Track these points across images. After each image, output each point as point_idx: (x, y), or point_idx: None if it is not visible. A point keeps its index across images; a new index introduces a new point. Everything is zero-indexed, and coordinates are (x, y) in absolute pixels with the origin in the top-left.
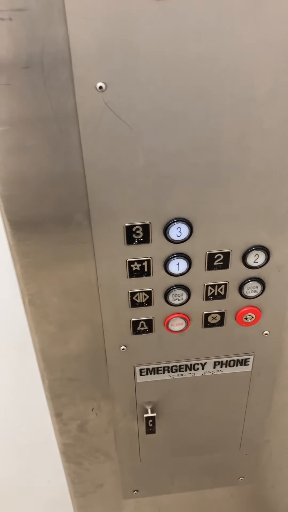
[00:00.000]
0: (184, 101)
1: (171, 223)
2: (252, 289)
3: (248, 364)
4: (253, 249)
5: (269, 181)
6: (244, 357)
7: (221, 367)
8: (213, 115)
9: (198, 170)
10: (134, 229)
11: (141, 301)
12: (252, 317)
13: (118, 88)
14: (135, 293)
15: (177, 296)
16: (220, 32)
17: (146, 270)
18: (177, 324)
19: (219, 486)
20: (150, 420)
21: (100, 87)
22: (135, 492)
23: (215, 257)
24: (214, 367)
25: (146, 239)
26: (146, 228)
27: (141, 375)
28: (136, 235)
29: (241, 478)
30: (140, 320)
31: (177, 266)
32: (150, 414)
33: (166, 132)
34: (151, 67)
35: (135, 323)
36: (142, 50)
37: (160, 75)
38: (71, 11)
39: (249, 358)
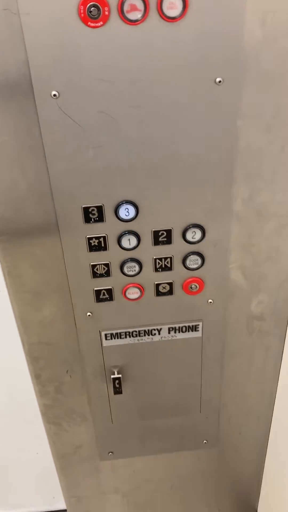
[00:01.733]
0: (121, 106)
1: (120, 205)
2: (193, 261)
3: (198, 330)
4: (191, 227)
5: (198, 170)
6: (194, 324)
7: (175, 332)
8: (148, 118)
9: (139, 161)
10: (90, 210)
11: (101, 272)
12: (197, 286)
13: (68, 95)
14: (95, 265)
15: (131, 268)
16: (147, 50)
17: (103, 245)
18: (133, 293)
19: (186, 449)
20: (117, 381)
21: (54, 95)
22: (110, 453)
23: (159, 234)
24: (169, 333)
25: (101, 218)
26: (100, 209)
27: (106, 339)
28: (92, 215)
29: (204, 441)
30: (102, 289)
31: (128, 241)
32: (116, 375)
33: (110, 131)
34: (93, 79)
35: (98, 292)
36: (85, 66)
37: (101, 86)
38: (29, 40)
39: (198, 325)
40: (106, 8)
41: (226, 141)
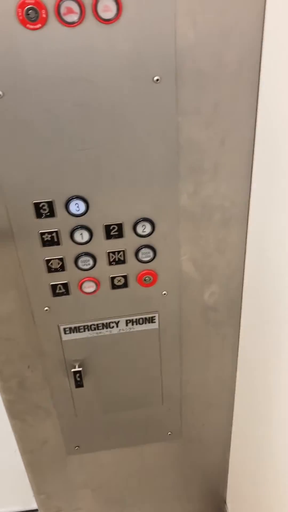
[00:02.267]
0: (64, 105)
1: (70, 200)
2: (145, 254)
3: (155, 322)
4: (140, 221)
5: (143, 166)
6: (150, 316)
7: (133, 325)
8: (91, 116)
9: (86, 157)
10: (40, 205)
11: (56, 267)
12: (150, 278)
13: (12, 95)
14: (50, 260)
15: (85, 262)
16: (85, 51)
17: (56, 240)
18: (89, 287)
19: (150, 442)
20: (77, 374)
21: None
22: (77, 448)
23: (111, 228)
24: (127, 325)
25: (52, 214)
26: (50, 204)
27: (65, 333)
28: (43, 210)
29: (169, 433)
30: (58, 284)
31: (81, 236)
32: (76, 369)
33: (55, 128)
34: (36, 79)
35: (54, 287)
36: (27, 67)
37: (44, 85)
38: None
39: (154, 316)
40: (43, 11)
41: (168, 137)
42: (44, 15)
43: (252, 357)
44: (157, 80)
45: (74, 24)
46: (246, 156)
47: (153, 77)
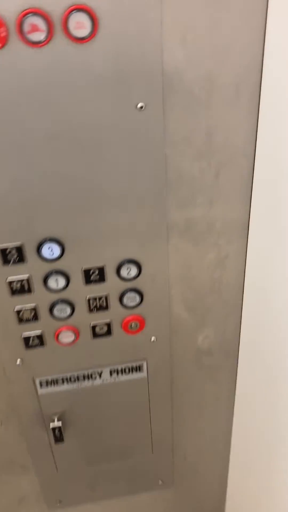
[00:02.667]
0: (34, 137)
1: (43, 243)
2: (131, 299)
3: (143, 371)
4: (125, 263)
5: (126, 203)
6: (137, 364)
7: (118, 374)
8: (65, 149)
9: (60, 195)
10: (7, 251)
11: (28, 317)
12: (137, 325)
13: None
14: (20, 310)
15: (62, 310)
16: (56, 75)
17: (27, 288)
18: (67, 337)
19: (140, 491)
20: (57, 430)
21: None
22: (59, 502)
23: (91, 272)
24: (111, 375)
25: (21, 259)
26: (19, 249)
27: (41, 387)
28: (11, 255)
29: (160, 481)
30: (31, 335)
31: (56, 282)
32: (55, 424)
33: (24, 163)
34: (1, 108)
35: (26, 339)
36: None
37: (10, 115)
38: None
39: (142, 364)
40: (2, 29)
41: (155, 171)
42: (3, 34)
43: (250, 402)
44: (141, 107)
45: (41, 44)
46: (244, 189)
47: (137, 104)
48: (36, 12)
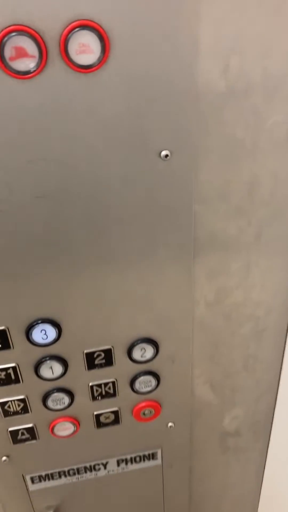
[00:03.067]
0: (16, 198)
1: (33, 326)
2: (144, 384)
3: (157, 458)
4: (138, 343)
5: (143, 270)
6: (150, 452)
7: (126, 464)
8: (60, 210)
9: (56, 268)
10: None
11: (15, 410)
12: (151, 411)
13: None
14: (6, 402)
15: (58, 401)
16: (50, 116)
17: (13, 377)
18: (64, 429)
19: None
20: None
21: None
22: None
23: (95, 355)
24: (118, 465)
25: (5, 345)
26: (3, 334)
27: (33, 483)
28: None
29: None
30: (19, 429)
31: (51, 370)
32: None
33: (8, 230)
34: None
35: (14, 433)
36: None
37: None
38: None
39: (156, 452)
40: None
41: (180, 233)
42: None
43: (280, 484)
44: (166, 156)
45: (30, 75)
46: None
47: (160, 152)
48: (22, 31)
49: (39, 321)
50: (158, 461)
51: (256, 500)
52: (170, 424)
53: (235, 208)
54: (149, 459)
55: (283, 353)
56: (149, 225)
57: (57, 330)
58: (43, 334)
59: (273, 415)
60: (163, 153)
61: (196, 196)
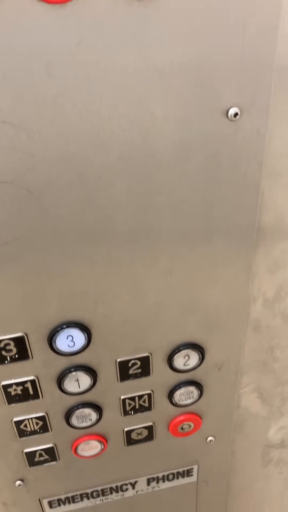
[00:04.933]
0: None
1: (58, 331)
2: (186, 395)
3: (192, 475)
4: (181, 349)
5: (187, 263)
6: (185, 469)
7: (157, 483)
8: (82, 185)
9: (83, 257)
10: (3, 345)
11: (32, 429)
12: (190, 426)
13: None
14: (22, 421)
15: (83, 418)
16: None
17: (32, 392)
18: (90, 448)
19: None
20: None
21: None
22: None
23: (130, 364)
24: (149, 485)
25: (23, 355)
26: (20, 341)
27: (51, 507)
28: (7, 351)
29: None
30: (37, 450)
31: (76, 382)
32: None
33: (25, 204)
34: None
35: (31, 454)
36: None
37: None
38: None
39: (192, 469)
40: None
41: (242, 215)
42: None
43: None
44: (235, 115)
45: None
46: None
47: (227, 110)
48: None
49: (65, 326)
50: (193, 478)
51: None
52: (210, 438)
53: None
54: (183, 476)
55: None
56: (205, 204)
57: (86, 335)
58: (70, 341)
59: None
60: (232, 111)
61: (266, 169)
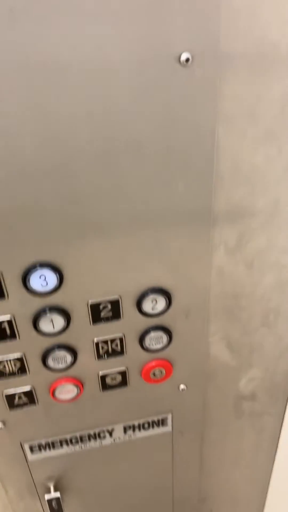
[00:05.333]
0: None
1: (31, 271)
2: (155, 340)
3: (167, 425)
4: (149, 293)
5: (150, 211)
6: (160, 417)
7: (134, 431)
8: (53, 132)
9: (59, 198)
10: None
11: (11, 370)
12: (162, 372)
13: None
14: (1, 361)
15: (59, 359)
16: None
17: (8, 332)
18: (66, 392)
19: None
20: (54, 502)
21: None
22: None
23: (101, 307)
24: (125, 432)
25: (0, 293)
26: None
27: (32, 452)
28: None
29: None
30: (16, 393)
31: (51, 323)
32: (52, 495)
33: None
34: None
35: (10, 397)
36: None
37: None
38: None
39: (166, 418)
40: None
41: (199, 160)
42: None
43: None
44: (187, 60)
45: None
46: None
47: (179, 55)
48: None
49: (38, 265)
50: (168, 428)
51: (270, 468)
52: (182, 386)
53: (264, 131)
54: (158, 425)
55: None
56: (162, 150)
57: (58, 276)
58: (43, 280)
59: None
60: (184, 56)
61: (220, 114)
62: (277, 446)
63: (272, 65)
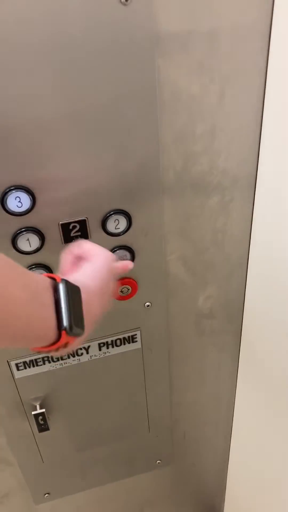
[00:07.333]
0: None
1: (7, 192)
2: (120, 258)
3: (137, 341)
4: (111, 214)
5: (106, 138)
6: (130, 334)
7: (108, 348)
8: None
9: (28, 127)
10: None
11: None
12: (128, 289)
13: None
14: None
15: None
16: None
17: None
18: None
19: (137, 473)
20: (40, 417)
21: None
22: (47, 495)
23: (70, 227)
24: (100, 349)
25: None
26: None
27: (18, 370)
28: None
29: (158, 461)
30: None
31: (28, 242)
32: (38, 411)
33: None
34: None
35: None
36: None
37: None
38: None
39: (135, 334)
40: None
41: (143, 90)
42: None
43: (255, 368)
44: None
45: None
46: (253, 115)
47: None
48: None
49: (13, 188)
50: (138, 344)
51: (234, 387)
52: (147, 303)
53: (197, 62)
54: (129, 342)
55: (251, 227)
56: (112, 83)
57: (31, 198)
58: (18, 201)
59: (245, 295)
60: None
61: (158, 48)
62: (238, 365)
63: (201, 4)
